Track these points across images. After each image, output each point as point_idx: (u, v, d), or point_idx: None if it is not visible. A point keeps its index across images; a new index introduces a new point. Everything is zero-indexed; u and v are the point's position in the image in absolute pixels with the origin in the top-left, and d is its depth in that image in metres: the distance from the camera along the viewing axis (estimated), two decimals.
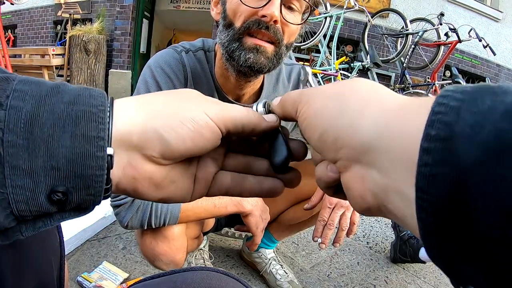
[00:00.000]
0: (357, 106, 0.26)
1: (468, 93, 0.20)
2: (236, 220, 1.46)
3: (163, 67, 0.99)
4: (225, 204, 1.05)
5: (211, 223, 1.33)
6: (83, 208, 0.27)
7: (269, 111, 0.37)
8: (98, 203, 0.27)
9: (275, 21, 0.85)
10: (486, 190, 0.17)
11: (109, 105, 0.27)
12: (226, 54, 0.91)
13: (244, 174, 0.37)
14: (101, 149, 0.25)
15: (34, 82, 0.26)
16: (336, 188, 0.32)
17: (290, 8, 0.90)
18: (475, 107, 0.19)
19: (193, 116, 0.30)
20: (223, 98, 1.06)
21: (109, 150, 0.26)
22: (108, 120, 0.26)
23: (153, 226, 0.97)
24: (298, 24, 0.93)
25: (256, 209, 1.11)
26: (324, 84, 4.01)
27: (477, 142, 0.18)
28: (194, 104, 0.31)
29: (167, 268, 1.08)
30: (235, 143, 0.38)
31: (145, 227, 0.96)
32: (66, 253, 1.36)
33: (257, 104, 0.38)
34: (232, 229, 1.75)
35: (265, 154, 0.37)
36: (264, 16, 0.84)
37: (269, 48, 0.88)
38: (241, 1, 0.86)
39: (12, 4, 3.63)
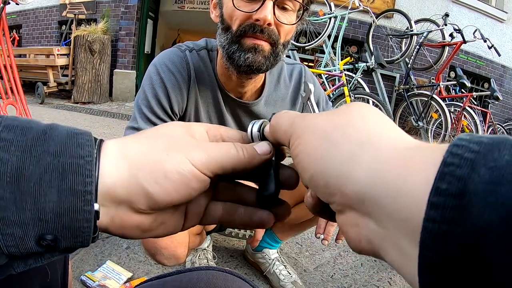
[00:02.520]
0: (349, 151, 0.24)
1: (484, 144, 0.18)
2: None
3: (168, 65, 1.03)
4: None
5: None
6: (73, 249, 0.28)
7: (263, 134, 0.35)
8: (87, 245, 0.28)
9: (269, 24, 0.89)
10: (503, 257, 0.15)
11: (96, 154, 0.27)
12: (226, 56, 0.95)
13: (236, 204, 0.36)
14: (88, 203, 0.25)
15: (20, 128, 0.25)
16: (322, 209, 0.31)
17: (284, 8, 0.92)
18: (492, 161, 0.17)
19: (177, 167, 0.29)
20: (225, 96, 1.09)
21: (96, 206, 0.26)
22: (95, 173, 0.26)
23: None
24: (292, 24, 0.95)
25: None
26: (328, 85, 3.97)
27: (493, 202, 0.16)
28: (177, 152, 0.30)
29: (168, 263, 1.08)
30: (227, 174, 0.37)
31: None
32: None
33: (253, 125, 0.36)
34: (236, 229, 1.75)
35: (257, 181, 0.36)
36: (257, 20, 0.88)
37: (267, 46, 0.92)
38: (234, 7, 0.89)
39: (17, 4, 3.65)
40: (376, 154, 0.23)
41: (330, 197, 0.25)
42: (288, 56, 4.69)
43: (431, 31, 4.75)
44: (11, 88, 3.20)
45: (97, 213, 0.26)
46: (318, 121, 0.28)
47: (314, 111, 0.39)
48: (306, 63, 5.16)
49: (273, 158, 0.35)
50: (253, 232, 1.49)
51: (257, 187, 0.35)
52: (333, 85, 4.24)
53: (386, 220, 0.21)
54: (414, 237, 0.19)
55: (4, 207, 0.23)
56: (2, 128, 0.25)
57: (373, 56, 4.24)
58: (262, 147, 0.33)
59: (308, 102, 0.40)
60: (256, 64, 0.91)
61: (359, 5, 4.32)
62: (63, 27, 6.90)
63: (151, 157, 0.29)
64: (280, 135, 0.31)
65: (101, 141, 0.29)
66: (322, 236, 1.09)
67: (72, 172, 0.25)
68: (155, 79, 1.02)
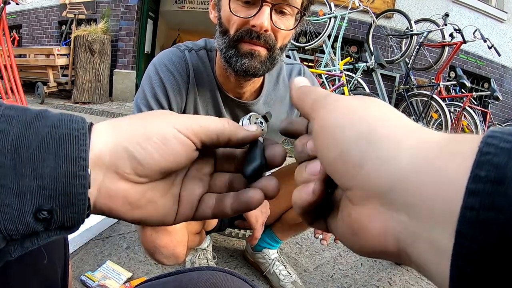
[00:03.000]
0: (392, 134, 0.23)
1: None
2: (238, 219, 1.46)
3: (167, 65, 1.03)
4: None
5: (213, 222, 1.34)
6: (68, 227, 0.28)
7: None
8: (82, 221, 0.28)
9: (266, 30, 0.88)
10: None
11: (87, 127, 0.29)
12: (223, 59, 0.95)
13: (225, 193, 0.36)
14: (83, 169, 0.27)
15: (20, 108, 0.27)
16: (315, 215, 0.29)
17: (282, 13, 0.92)
18: None
19: (159, 130, 0.30)
20: (224, 96, 1.09)
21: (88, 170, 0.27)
22: (88, 143, 0.28)
23: None
24: (290, 30, 0.94)
25: None
26: (328, 85, 3.97)
27: None
28: (163, 120, 0.31)
29: (168, 262, 1.08)
30: (222, 162, 0.37)
31: None
32: (70, 252, 1.36)
33: (243, 119, 0.37)
34: (236, 230, 1.75)
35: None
36: (254, 26, 0.87)
37: (263, 52, 0.92)
38: (231, 12, 0.89)
39: (18, 4, 3.65)
40: (419, 142, 0.22)
41: (357, 180, 0.24)
42: (288, 56, 4.69)
43: (431, 31, 4.75)
44: (11, 88, 3.20)
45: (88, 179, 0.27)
46: (355, 101, 0.27)
47: None
48: (306, 63, 5.16)
49: (261, 140, 0.35)
50: (253, 231, 1.48)
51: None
52: (333, 85, 4.24)
53: (422, 209, 0.20)
54: (450, 226, 0.18)
55: (3, 174, 0.25)
56: (4, 108, 0.27)
57: (373, 56, 4.24)
58: (250, 126, 0.35)
59: None
60: (253, 70, 0.92)
61: (359, 5, 4.32)
62: (63, 27, 6.90)
63: (137, 125, 0.31)
64: (309, 100, 0.30)
65: (92, 123, 0.30)
66: (321, 236, 1.09)
67: (67, 141, 0.27)
68: (154, 79, 1.02)
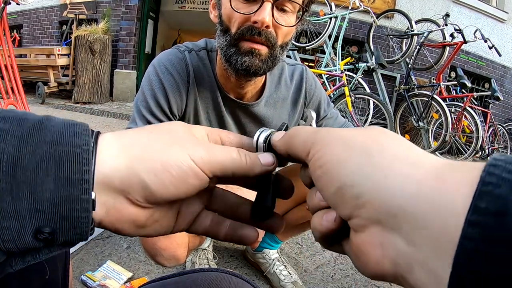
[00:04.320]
0: (386, 163, 0.24)
1: None
2: None
3: (167, 66, 1.03)
4: None
5: None
6: (71, 243, 0.27)
7: (269, 145, 0.34)
8: (86, 239, 0.27)
9: (267, 26, 0.88)
10: None
11: (93, 143, 0.27)
12: (224, 58, 0.94)
13: (224, 217, 0.36)
14: (86, 192, 0.25)
15: (16, 119, 0.25)
16: (331, 240, 0.29)
17: (283, 10, 0.91)
18: None
19: (176, 161, 0.28)
20: (225, 97, 1.08)
21: (92, 195, 0.26)
22: (92, 162, 0.26)
23: None
24: (291, 26, 0.94)
25: None
26: (329, 85, 3.97)
27: None
28: (179, 147, 0.30)
29: (168, 264, 1.08)
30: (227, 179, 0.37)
31: None
32: (70, 252, 1.36)
33: (260, 133, 0.35)
34: None
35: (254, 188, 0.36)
36: (255, 22, 0.87)
37: (264, 50, 0.91)
38: (232, 9, 0.88)
39: (18, 4, 3.65)
40: (415, 167, 0.23)
41: (356, 210, 0.24)
42: (289, 56, 4.69)
43: (431, 31, 4.75)
44: (11, 88, 3.20)
45: (93, 202, 0.26)
46: (349, 133, 0.27)
47: None
48: (307, 63, 5.16)
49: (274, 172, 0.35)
50: None
51: (254, 197, 0.35)
52: (333, 85, 4.24)
53: (419, 237, 0.20)
54: (447, 255, 0.18)
55: (0, 198, 0.23)
56: None
57: (373, 56, 4.24)
58: (266, 158, 0.33)
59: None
60: (253, 68, 0.91)
61: (360, 5, 4.32)
62: (64, 27, 6.91)
63: (151, 149, 0.29)
64: (299, 143, 0.30)
65: (98, 132, 0.29)
66: None
67: (69, 161, 0.25)
68: (153, 80, 1.01)
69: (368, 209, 0.23)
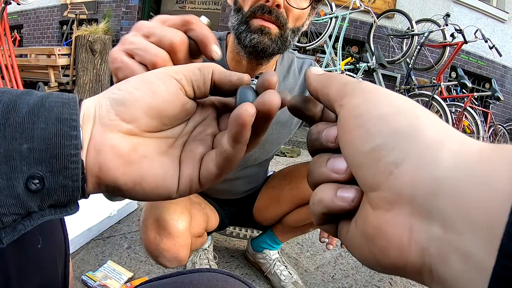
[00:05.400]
0: (436, 134, 0.21)
1: None
2: (238, 219, 1.46)
3: None
4: None
5: (214, 222, 1.34)
6: (62, 205, 0.27)
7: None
8: (76, 197, 0.27)
9: (278, 6, 0.89)
10: None
11: (78, 99, 0.29)
12: (234, 36, 0.96)
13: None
14: (74, 128, 0.26)
15: (8, 90, 0.27)
16: (328, 218, 0.26)
17: None
18: None
19: (141, 74, 0.31)
20: None
21: (80, 131, 0.27)
22: (79, 108, 0.27)
23: None
24: (302, 9, 0.94)
25: None
26: None
27: None
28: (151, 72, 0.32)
29: (170, 265, 1.08)
30: (225, 121, 0.35)
31: None
32: (71, 252, 1.36)
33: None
34: (237, 229, 1.75)
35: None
36: (267, 0, 0.88)
37: (274, 29, 0.92)
38: None
39: (19, 4, 3.65)
40: (463, 142, 0.20)
41: (388, 181, 0.21)
42: None
43: (432, 31, 4.75)
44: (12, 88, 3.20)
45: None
46: (395, 93, 0.24)
47: None
48: None
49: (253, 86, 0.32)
50: (253, 232, 1.48)
51: None
52: None
53: (459, 220, 0.18)
54: (492, 244, 0.16)
55: None
56: None
57: (374, 56, 4.24)
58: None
59: None
60: (262, 45, 0.91)
61: (360, 5, 4.31)
62: (64, 27, 6.91)
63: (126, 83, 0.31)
64: (335, 85, 0.26)
65: (81, 99, 0.30)
66: (327, 240, 1.08)
67: (58, 107, 0.26)
68: None
69: (404, 182, 0.20)
